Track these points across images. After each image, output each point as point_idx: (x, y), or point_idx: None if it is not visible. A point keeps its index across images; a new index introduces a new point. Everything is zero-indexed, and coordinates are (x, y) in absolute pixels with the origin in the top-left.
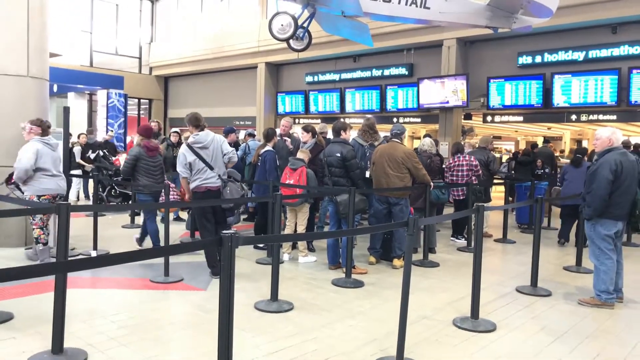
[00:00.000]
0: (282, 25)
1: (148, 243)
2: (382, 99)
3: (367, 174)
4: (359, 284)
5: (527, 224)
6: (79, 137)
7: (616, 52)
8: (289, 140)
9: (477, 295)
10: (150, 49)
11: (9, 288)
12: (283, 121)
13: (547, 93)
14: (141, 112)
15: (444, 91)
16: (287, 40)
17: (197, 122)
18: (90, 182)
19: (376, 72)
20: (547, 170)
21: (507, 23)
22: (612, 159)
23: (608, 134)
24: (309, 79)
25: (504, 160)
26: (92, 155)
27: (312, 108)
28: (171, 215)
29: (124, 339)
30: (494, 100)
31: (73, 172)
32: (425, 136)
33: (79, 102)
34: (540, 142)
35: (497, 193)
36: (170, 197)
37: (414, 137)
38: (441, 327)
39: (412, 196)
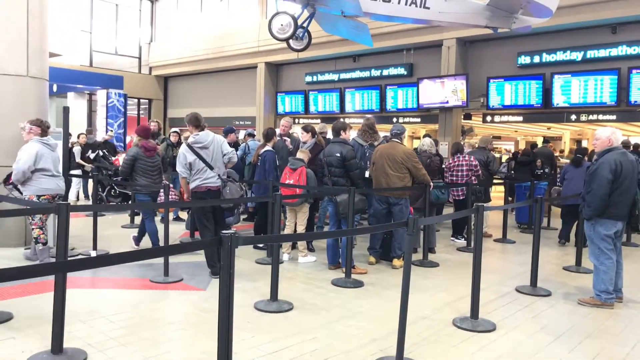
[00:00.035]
0: (281, 25)
1: (146, 243)
2: (382, 99)
3: (367, 174)
4: (358, 284)
5: (527, 223)
6: (78, 137)
7: (616, 52)
8: (288, 140)
9: (477, 295)
10: (150, 48)
11: (9, 288)
12: (283, 121)
13: (547, 93)
14: (141, 112)
15: (444, 91)
16: (286, 40)
17: (197, 122)
18: (90, 182)
19: (376, 72)
20: (546, 170)
21: (506, 23)
22: (612, 159)
23: (608, 134)
24: (309, 78)
25: (503, 160)
26: (92, 155)
27: (312, 108)
28: (171, 215)
29: (123, 339)
30: (494, 100)
31: (73, 172)
32: (424, 136)
33: (79, 102)
34: (539, 142)
35: (497, 193)
36: (169, 197)
37: (414, 137)
38: (441, 327)
39: (412, 196)
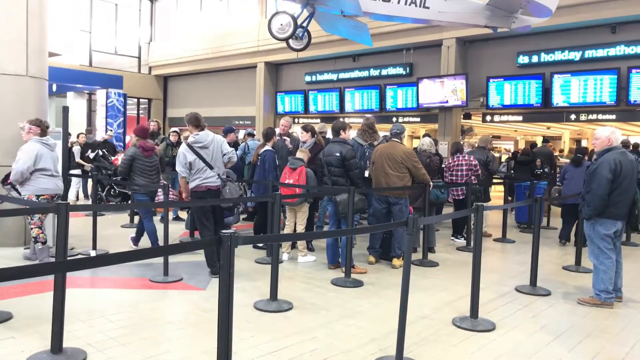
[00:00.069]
0: (281, 24)
1: (145, 243)
2: (382, 99)
3: (367, 174)
4: (358, 284)
5: (527, 223)
6: (78, 136)
7: (615, 51)
8: (288, 139)
9: (477, 295)
10: (150, 48)
11: (8, 288)
12: (282, 121)
13: (547, 93)
14: (140, 111)
15: (444, 91)
16: (286, 39)
17: (197, 122)
18: (90, 181)
19: (375, 72)
20: (546, 170)
21: (506, 23)
22: (612, 159)
23: (607, 133)
24: (308, 78)
25: (503, 159)
26: (92, 155)
27: (312, 108)
28: (170, 215)
29: (123, 339)
30: (494, 100)
31: (72, 171)
32: (424, 136)
33: (78, 102)
34: (539, 141)
35: (497, 192)
36: (168, 197)
37: (414, 136)
38: (440, 327)
39: (412, 196)
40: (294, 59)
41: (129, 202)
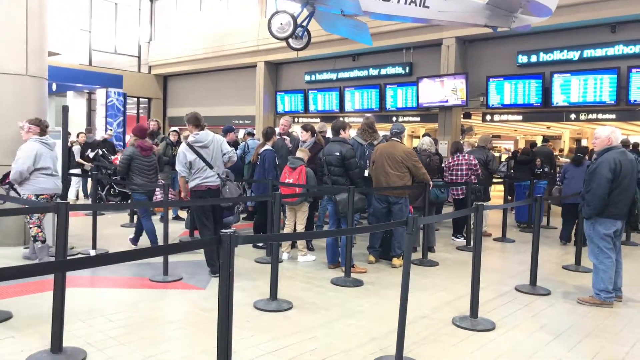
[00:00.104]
0: (281, 24)
1: (144, 242)
2: (382, 98)
3: (366, 173)
4: (358, 283)
5: (527, 222)
6: (78, 136)
7: (615, 51)
8: (288, 139)
9: (476, 294)
10: (150, 47)
11: (8, 287)
12: (282, 120)
13: (547, 92)
14: (140, 111)
15: (443, 90)
16: (286, 39)
17: (197, 122)
18: (89, 180)
19: (375, 71)
20: (546, 169)
21: (506, 22)
22: (611, 158)
23: (607, 133)
24: (308, 77)
25: (503, 159)
26: (92, 154)
27: (312, 107)
28: (170, 214)
29: (123, 338)
30: (493, 100)
31: (72, 171)
32: (424, 135)
33: (78, 101)
34: (539, 141)
35: (497, 192)
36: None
37: (413, 136)
38: (440, 326)
39: (412, 195)
40: (294, 58)
41: (129, 201)
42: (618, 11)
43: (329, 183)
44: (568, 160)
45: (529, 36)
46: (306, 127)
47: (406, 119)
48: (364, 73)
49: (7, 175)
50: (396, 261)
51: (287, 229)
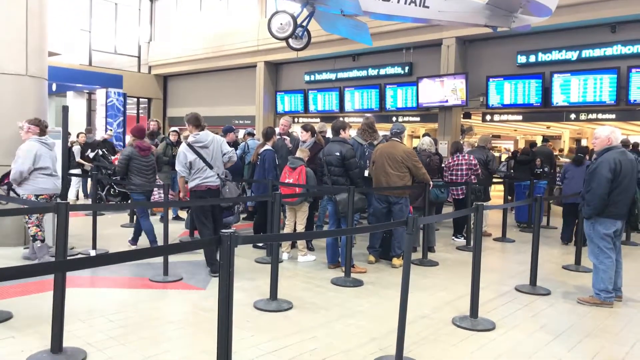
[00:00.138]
0: (281, 24)
1: (144, 242)
2: (382, 98)
3: (366, 173)
4: (358, 283)
5: (526, 222)
6: (78, 136)
7: (615, 51)
8: (288, 139)
9: (476, 294)
10: (150, 48)
11: (8, 287)
12: (282, 120)
13: (546, 92)
14: (140, 111)
15: (443, 90)
16: (286, 39)
17: (197, 122)
18: (89, 181)
19: (375, 71)
20: (546, 169)
21: (506, 22)
22: (611, 158)
23: (607, 133)
24: (308, 77)
25: (503, 159)
26: (92, 155)
27: (312, 107)
28: (170, 214)
29: (123, 338)
30: (493, 100)
31: (72, 171)
32: (424, 135)
33: (78, 101)
34: (539, 141)
35: (496, 192)
36: (160, 198)
37: (413, 136)
38: (440, 326)
39: (412, 195)
40: (294, 58)
41: (129, 201)
42: (618, 11)
43: (329, 183)
44: (568, 160)
45: (529, 36)
46: (306, 127)
47: (406, 119)
48: (364, 73)
49: (5, 175)
50: (396, 261)
51: (287, 229)
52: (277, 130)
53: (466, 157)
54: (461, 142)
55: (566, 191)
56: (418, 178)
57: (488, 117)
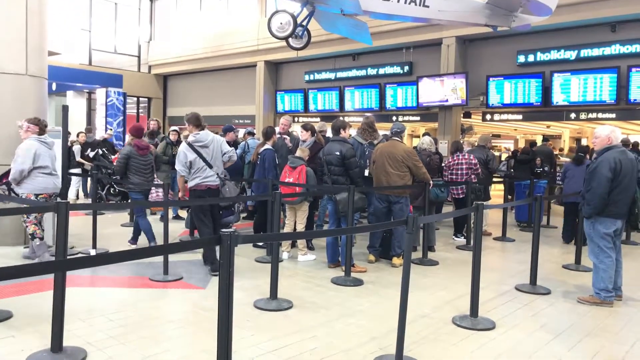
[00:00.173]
0: (281, 23)
1: (144, 242)
2: (382, 98)
3: (367, 173)
4: (358, 283)
5: (527, 222)
6: (78, 135)
7: (615, 50)
8: (288, 138)
9: (477, 294)
10: (149, 47)
11: (8, 286)
12: (282, 119)
13: (547, 91)
14: (140, 110)
15: (443, 89)
16: (286, 38)
17: (197, 122)
18: (89, 180)
19: (375, 71)
20: (546, 169)
21: (506, 21)
22: (611, 157)
23: (607, 132)
24: (308, 77)
25: (503, 158)
26: (92, 154)
27: (312, 106)
28: (170, 214)
29: (123, 338)
30: (493, 99)
31: (72, 170)
32: (424, 135)
33: (78, 101)
34: (539, 140)
35: (497, 191)
36: (158, 196)
37: (413, 135)
38: (440, 325)
39: (412, 195)
40: (294, 57)
41: (129, 201)
42: (618, 10)
43: (329, 182)
44: (568, 159)
45: (529, 35)
46: (306, 127)
47: (406, 118)
48: (364, 72)
49: (4, 175)
50: (396, 260)
51: (287, 229)
52: (277, 129)
53: (466, 157)
54: (461, 141)
55: (567, 190)
56: (418, 177)
57: (488, 117)
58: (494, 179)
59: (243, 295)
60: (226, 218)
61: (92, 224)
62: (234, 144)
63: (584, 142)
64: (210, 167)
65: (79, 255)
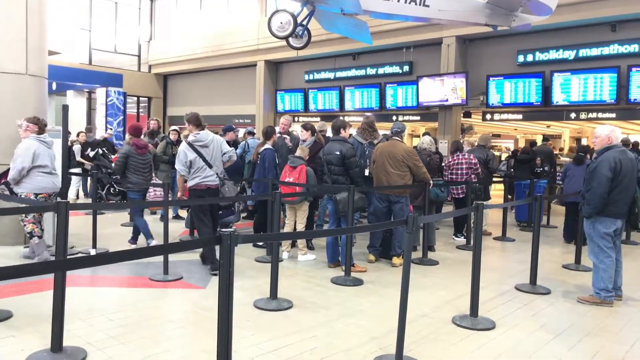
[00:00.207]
0: (281, 23)
1: (144, 241)
2: (382, 97)
3: (367, 172)
4: (358, 282)
5: (527, 221)
6: (78, 135)
7: (615, 50)
8: (288, 138)
9: (477, 293)
10: (150, 47)
11: (8, 286)
12: (282, 119)
13: (547, 91)
14: (140, 110)
15: (444, 89)
16: (286, 38)
17: (197, 122)
18: (90, 180)
19: (375, 70)
20: (546, 168)
21: (506, 21)
22: (611, 157)
23: (607, 132)
24: (308, 77)
25: (503, 158)
26: (92, 154)
27: (312, 106)
28: (170, 213)
29: (123, 337)
30: (493, 99)
31: (72, 170)
32: (424, 134)
33: (78, 100)
34: (539, 140)
35: (497, 191)
36: (155, 195)
37: (414, 135)
38: (440, 325)
39: (412, 194)
40: (294, 57)
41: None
42: (618, 10)
43: (329, 182)
44: (568, 159)
45: (529, 35)
46: (306, 126)
47: (406, 118)
48: (364, 72)
49: (3, 174)
50: (396, 260)
51: (287, 228)
52: (277, 129)
53: (466, 156)
54: (461, 141)
55: (567, 190)
56: (418, 177)
57: (488, 116)
58: (494, 179)
59: (243, 295)
60: (226, 218)
61: (92, 223)
62: (234, 143)
63: (584, 141)
64: (210, 166)
65: (79, 255)
